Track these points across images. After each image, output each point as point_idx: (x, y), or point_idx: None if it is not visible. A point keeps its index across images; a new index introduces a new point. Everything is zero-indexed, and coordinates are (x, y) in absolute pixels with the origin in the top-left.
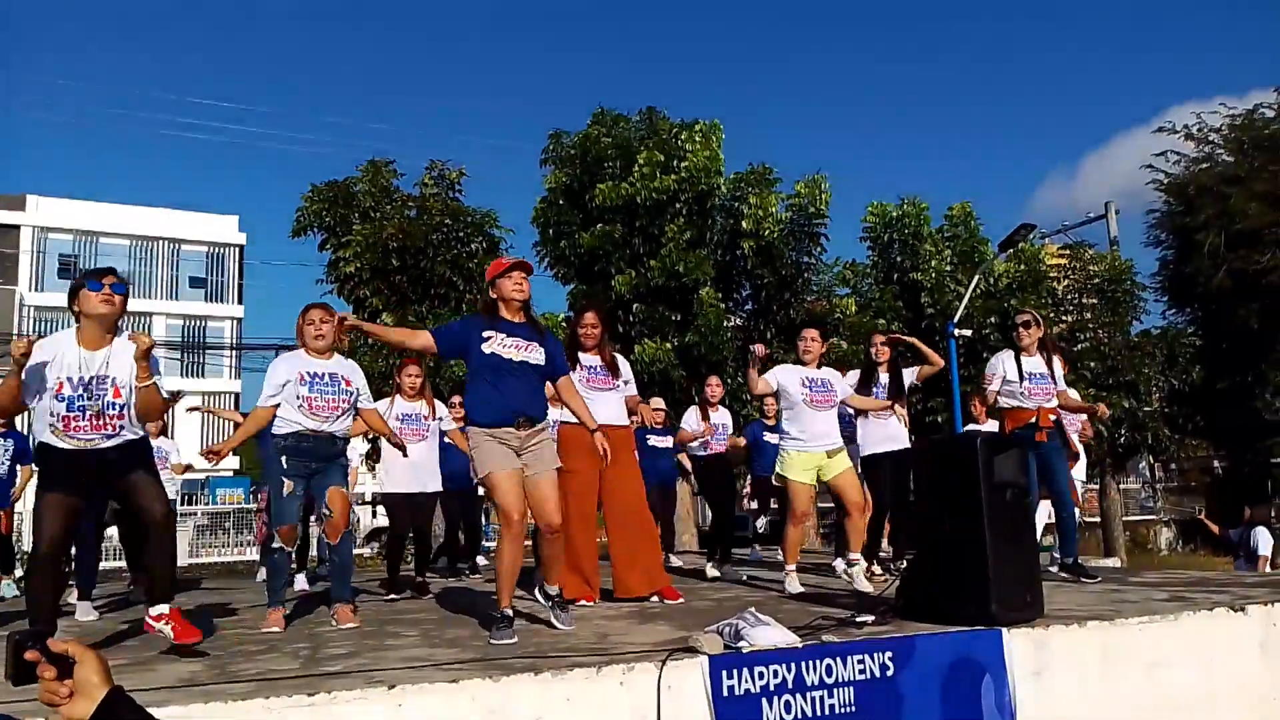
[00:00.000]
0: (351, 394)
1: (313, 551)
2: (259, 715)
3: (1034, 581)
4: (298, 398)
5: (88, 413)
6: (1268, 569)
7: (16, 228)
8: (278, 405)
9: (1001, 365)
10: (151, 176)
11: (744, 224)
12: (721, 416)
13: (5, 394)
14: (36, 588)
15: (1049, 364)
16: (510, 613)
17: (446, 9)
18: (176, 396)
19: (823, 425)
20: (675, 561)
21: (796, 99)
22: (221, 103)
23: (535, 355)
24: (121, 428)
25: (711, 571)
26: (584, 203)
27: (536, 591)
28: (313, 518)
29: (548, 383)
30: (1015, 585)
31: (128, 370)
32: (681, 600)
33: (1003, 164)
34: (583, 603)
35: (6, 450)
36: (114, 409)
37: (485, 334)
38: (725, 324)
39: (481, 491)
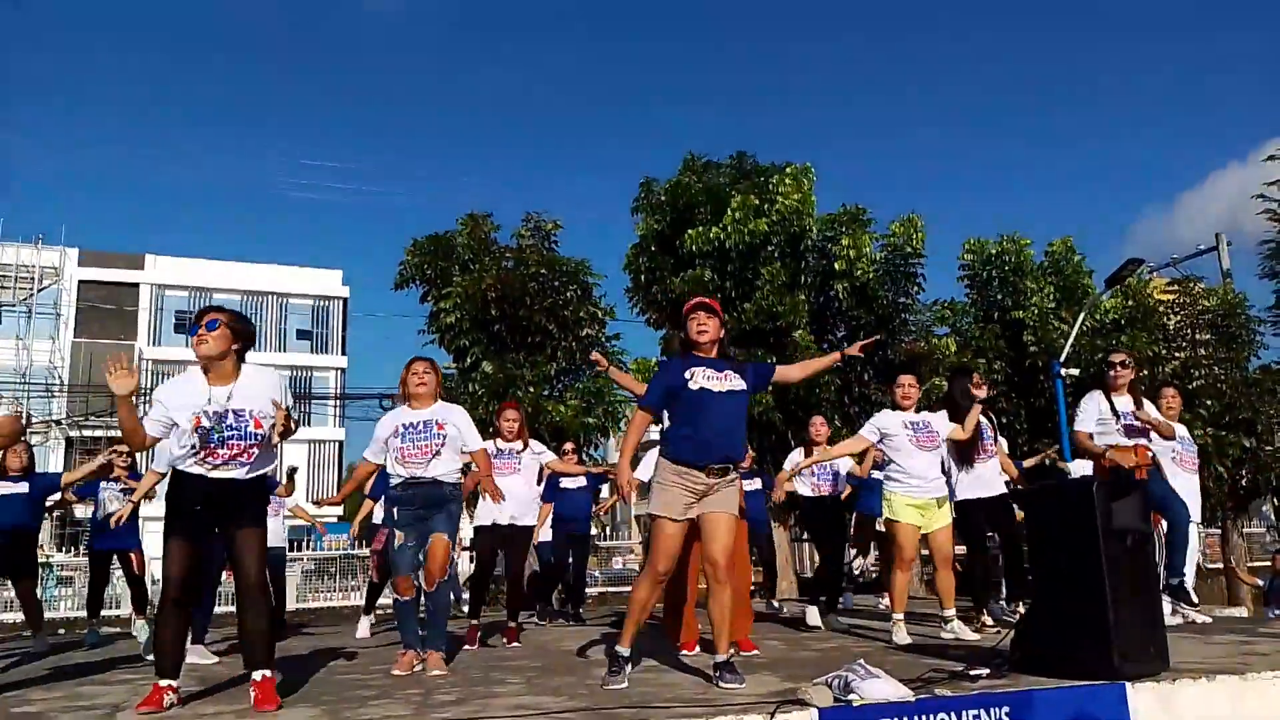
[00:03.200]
0: (443, 436)
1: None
2: None
3: (1158, 632)
4: (394, 451)
5: (228, 442)
6: None
7: (136, 285)
8: (379, 464)
9: (1096, 405)
10: (260, 233)
11: (837, 265)
12: None
13: (129, 422)
14: (162, 636)
15: (1138, 404)
16: (626, 653)
17: (535, 59)
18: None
19: (926, 467)
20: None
21: (885, 135)
22: (326, 162)
23: (737, 383)
24: (256, 457)
25: (812, 620)
26: (675, 248)
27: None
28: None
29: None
30: (1138, 636)
31: (260, 402)
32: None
33: (1094, 204)
34: (684, 652)
35: (130, 491)
36: (254, 439)
37: (687, 373)
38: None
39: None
